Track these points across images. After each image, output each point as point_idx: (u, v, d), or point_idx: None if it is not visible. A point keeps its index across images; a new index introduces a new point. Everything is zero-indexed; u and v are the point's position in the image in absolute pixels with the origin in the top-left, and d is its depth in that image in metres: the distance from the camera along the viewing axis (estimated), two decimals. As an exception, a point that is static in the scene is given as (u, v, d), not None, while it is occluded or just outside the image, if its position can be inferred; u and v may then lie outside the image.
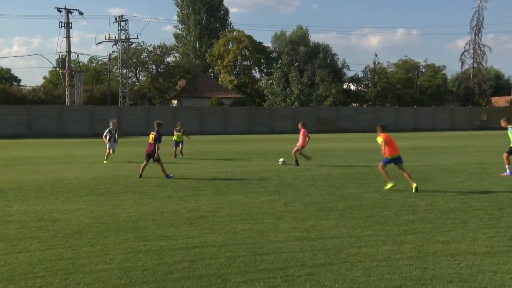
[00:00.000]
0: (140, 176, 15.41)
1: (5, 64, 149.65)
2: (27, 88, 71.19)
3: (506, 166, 16.09)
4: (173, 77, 66.70)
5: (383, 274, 6.25)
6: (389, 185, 12.78)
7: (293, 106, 59.90)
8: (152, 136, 15.56)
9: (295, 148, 19.28)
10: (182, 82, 68.38)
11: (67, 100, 55.73)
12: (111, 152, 20.91)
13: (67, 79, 55.55)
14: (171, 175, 15.36)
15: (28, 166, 19.32)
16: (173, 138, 22.63)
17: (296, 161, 18.89)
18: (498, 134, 46.58)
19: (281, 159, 19.64)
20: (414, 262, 6.74)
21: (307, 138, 19.37)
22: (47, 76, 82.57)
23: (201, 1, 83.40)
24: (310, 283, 5.95)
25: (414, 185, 12.44)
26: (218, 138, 43.73)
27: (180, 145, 22.49)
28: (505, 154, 16.34)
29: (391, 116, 59.99)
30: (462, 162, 20.26)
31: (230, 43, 76.49)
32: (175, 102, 67.81)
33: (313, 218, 9.48)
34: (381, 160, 13.27)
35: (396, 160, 12.87)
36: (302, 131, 19.28)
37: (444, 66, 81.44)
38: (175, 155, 22.14)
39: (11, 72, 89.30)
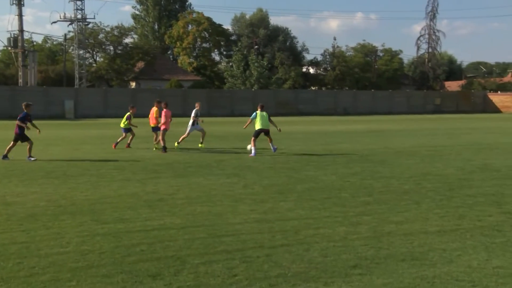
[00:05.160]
0: (5, 157, 15.57)
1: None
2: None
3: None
4: (132, 58, 65.61)
5: (340, 254, 6.39)
6: None
7: (253, 89, 59.90)
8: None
9: (161, 133, 17.89)
10: (140, 64, 67.32)
11: (20, 80, 54.07)
12: (188, 135, 19.26)
13: (20, 59, 53.84)
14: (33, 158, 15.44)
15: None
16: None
17: (164, 147, 17.56)
18: (451, 118, 47.97)
19: (249, 146, 17.84)
20: (370, 242, 6.91)
21: (170, 120, 18.27)
22: (-2, 55, 79.78)
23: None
24: (268, 264, 6.03)
25: None
26: (177, 120, 43.20)
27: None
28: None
29: (349, 100, 60.82)
30: (417, 144, 20.78)
31: (190, 25, 75.61)
32: (133, 84, 66.76)
33: (272, 200, 9.58)
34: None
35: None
36: (164, 111, 18.20)
37: (401, 51, 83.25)
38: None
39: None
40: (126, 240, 6.90)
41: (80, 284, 5.37)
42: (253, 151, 16.75)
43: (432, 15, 79.81)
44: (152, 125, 18.83)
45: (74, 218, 8.10)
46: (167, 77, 64.97)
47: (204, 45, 77.90)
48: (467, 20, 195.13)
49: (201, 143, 19.31)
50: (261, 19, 79.59)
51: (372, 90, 66.81)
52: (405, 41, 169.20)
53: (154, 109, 18.83)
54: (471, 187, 11.05)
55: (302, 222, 7.95)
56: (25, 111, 15.66)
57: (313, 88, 75.02)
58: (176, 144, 18.79)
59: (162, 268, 5.85)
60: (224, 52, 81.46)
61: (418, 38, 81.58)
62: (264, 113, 17.54)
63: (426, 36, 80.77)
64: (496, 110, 64.69)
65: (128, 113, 19.04)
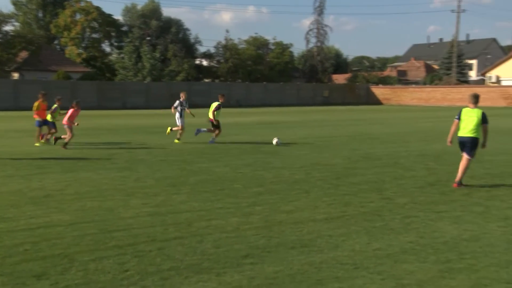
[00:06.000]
0: None
1: None
2: None
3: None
4: (13, 47, 61.39)
5: (232, 245, 6.50)
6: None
7: (145, 81, 58.73)
8: None
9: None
10: (24, 54, 63.28)
11: None
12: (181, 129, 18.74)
13: None
14: None
15: None
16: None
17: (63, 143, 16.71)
18: (338, 109, 50.25)
19: (275, 140, 17.89)
20: (261, 231, 7.09)
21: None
22: None
23: (44, -35, 77.37)
24: (161, 257, 5.99)
25: None
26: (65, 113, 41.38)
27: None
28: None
29: (242, 92, 61.59)
30: (307, 135, 21.55)
31: (78, 14, 72.35)
32: (16, 75, 62.68)
33: (165, 193, 9.50)
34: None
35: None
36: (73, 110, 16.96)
37: (291, 44, 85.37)
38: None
39: None
40: (7, 240, 6.52)
41: (-44, 289, 5.01)
42: (198, 130, 18.70)
43: (320, 10, 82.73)
44: (36, 118, 17.78)
45: None
46: (54, 68, 61.65)
47: (93, 35, 74.95)
48: (352, 16, 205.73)
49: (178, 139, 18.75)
50: (153, 10, 78.03)
51: (264, 82, 68.11)
52: (295, 35, 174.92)
53: (37, 103, 17.82)
54: (356, 175, 11.68)
55: (195, 214, 7.98)
56: None
57: (206, 81, 75.01)
58: (176, 141, 18.47)
59: (48, 267, 5.60)
60: (115, 43, 78.94)
61: (307, 32, 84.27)
62: (214, 103, 18.64)
63: (315, 30, 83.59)
64: (377, 102, 68.76)
65: (55, 106, 17.82)
